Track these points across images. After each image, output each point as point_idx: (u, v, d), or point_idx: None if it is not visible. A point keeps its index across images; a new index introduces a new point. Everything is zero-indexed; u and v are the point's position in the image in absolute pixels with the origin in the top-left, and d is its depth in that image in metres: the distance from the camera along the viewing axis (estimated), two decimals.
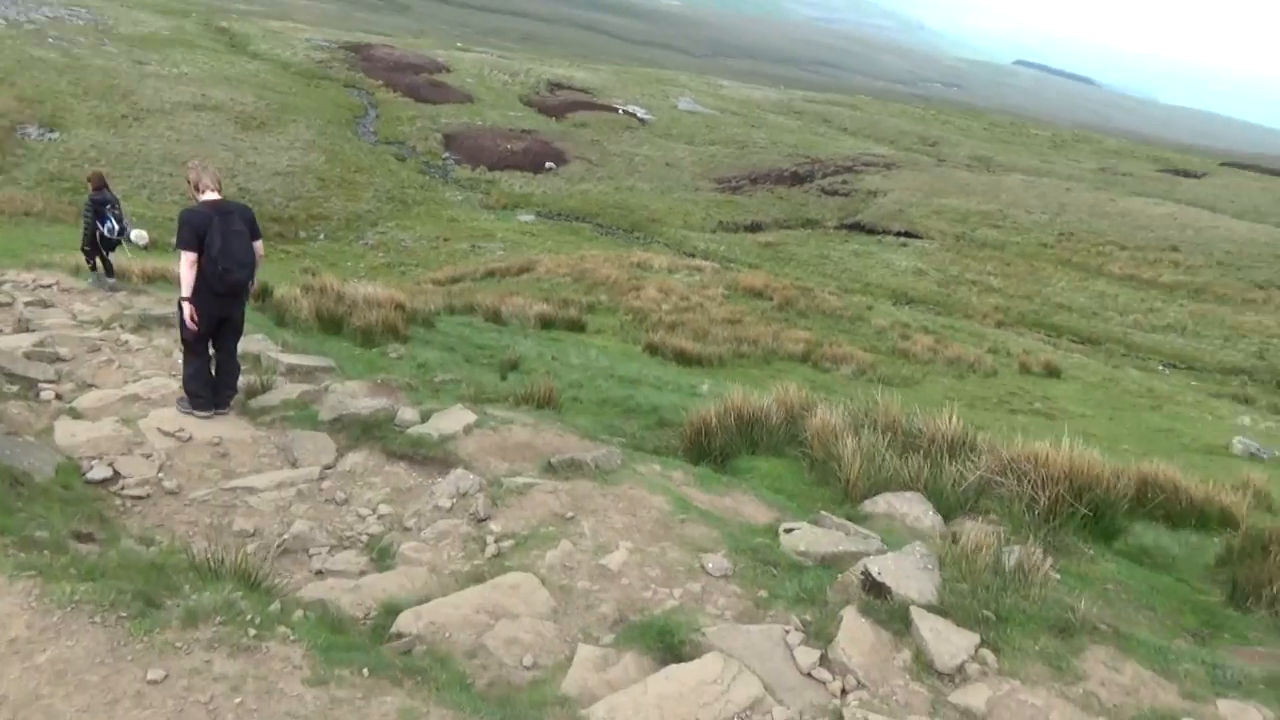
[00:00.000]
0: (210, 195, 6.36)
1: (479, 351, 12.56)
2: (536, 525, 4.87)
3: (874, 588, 3.90)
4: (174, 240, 6.53)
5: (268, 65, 63.89)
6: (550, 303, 20.54)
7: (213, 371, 6.71)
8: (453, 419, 6.36)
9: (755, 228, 48.85)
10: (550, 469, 5.57)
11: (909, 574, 3.99)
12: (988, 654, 3.64)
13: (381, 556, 4.71)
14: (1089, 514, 5.67)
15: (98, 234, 12.53)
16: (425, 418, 6.44)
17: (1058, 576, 4.75)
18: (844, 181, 57.80)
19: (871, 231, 48.94)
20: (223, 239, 6.16)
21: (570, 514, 4.98)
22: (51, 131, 39.40)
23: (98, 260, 12.79)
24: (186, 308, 6.21)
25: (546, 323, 17.99)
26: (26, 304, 10.42)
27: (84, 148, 38.36)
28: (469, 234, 39.22)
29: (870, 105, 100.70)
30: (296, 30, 79.77)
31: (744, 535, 5.06)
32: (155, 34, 64.06)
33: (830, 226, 50.13)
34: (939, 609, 3.82)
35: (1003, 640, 3.73)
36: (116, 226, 12.70)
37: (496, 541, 4.71)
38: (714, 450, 7.11)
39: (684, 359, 17.04)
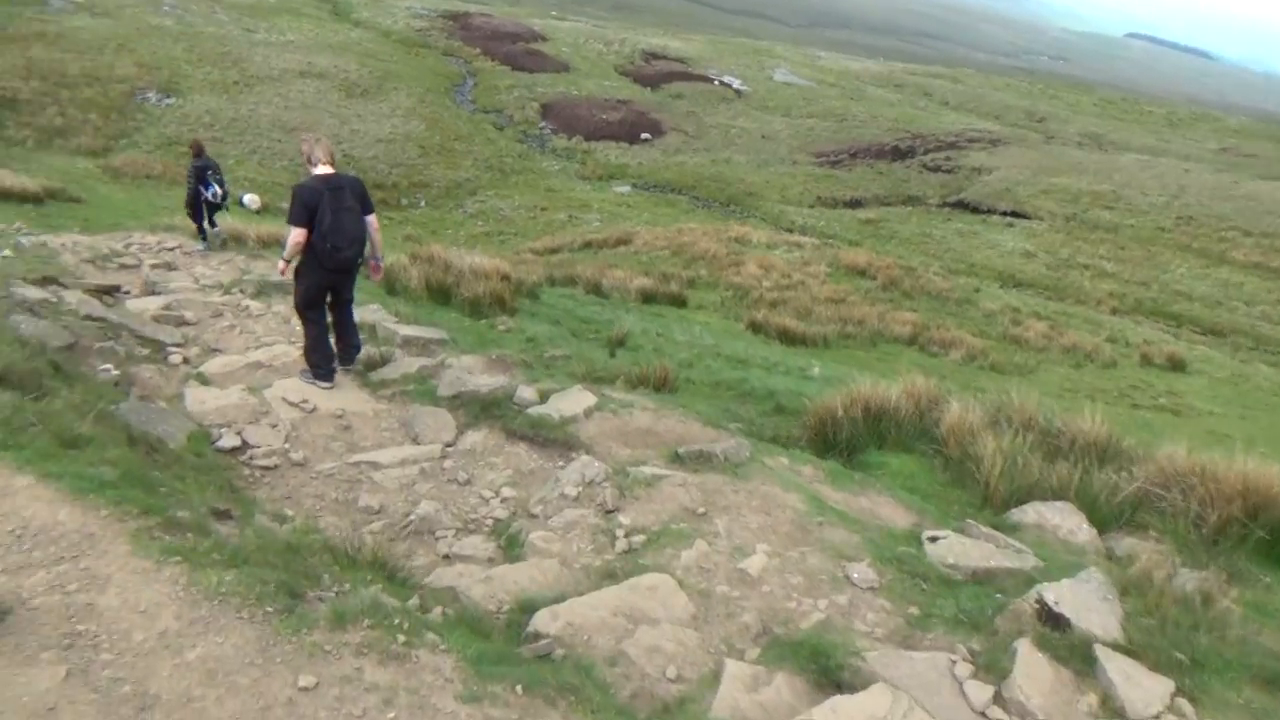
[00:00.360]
0: (323, 169, 6.31)
1: (584, 326, 12.41)
2: (667, 521, 4.65)
3: (1051, 618, 3.55)
4: (287, 213, 6.53)
5: (369, 33, 64.96)
6: (650, 276, 20.31)
7: (331, 339, 6.72)
8: (573, 400, 6.19)
9: (855, 204, 47.62)
10: (678, 459, 5.34)
11: (1089, 605, 3.63)
12: (1184, 704, 3.26)
13: (510, 545, 4.57)
14: (1266, 537, 5.16)
15: (202, 199, 12.99)
16: (544, 397, 6.29)
17: (1239, 609, 4.30)
18: (947, 158, 55.80)
19: (976, 210, 47.15)
20: (333, 215, 6.11)
21: (702, 510, 4.75)
22: (169, 97, 40.81)
23: (205, 224, 13.21)
24: (280, 264, 6.43)
25: (648, 297, 17.78)
26: (152, 266, 10.71)
27: (199, 113, 39.63)
28: (566, 204, 39.23)
29: (973, 78, 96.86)
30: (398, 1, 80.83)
31: (886, 541, 4.75)
32: (263, 2, 65.73)
33: (933, 204, 48.50)
34: (1126, 648, 3.45)
35: (1200, 689, 3.34)
36: (220, 191, 13.12)
37: (627, 536, 4.52)
38: (840, 443, 6.78)
39: (788, 338, 16.63)
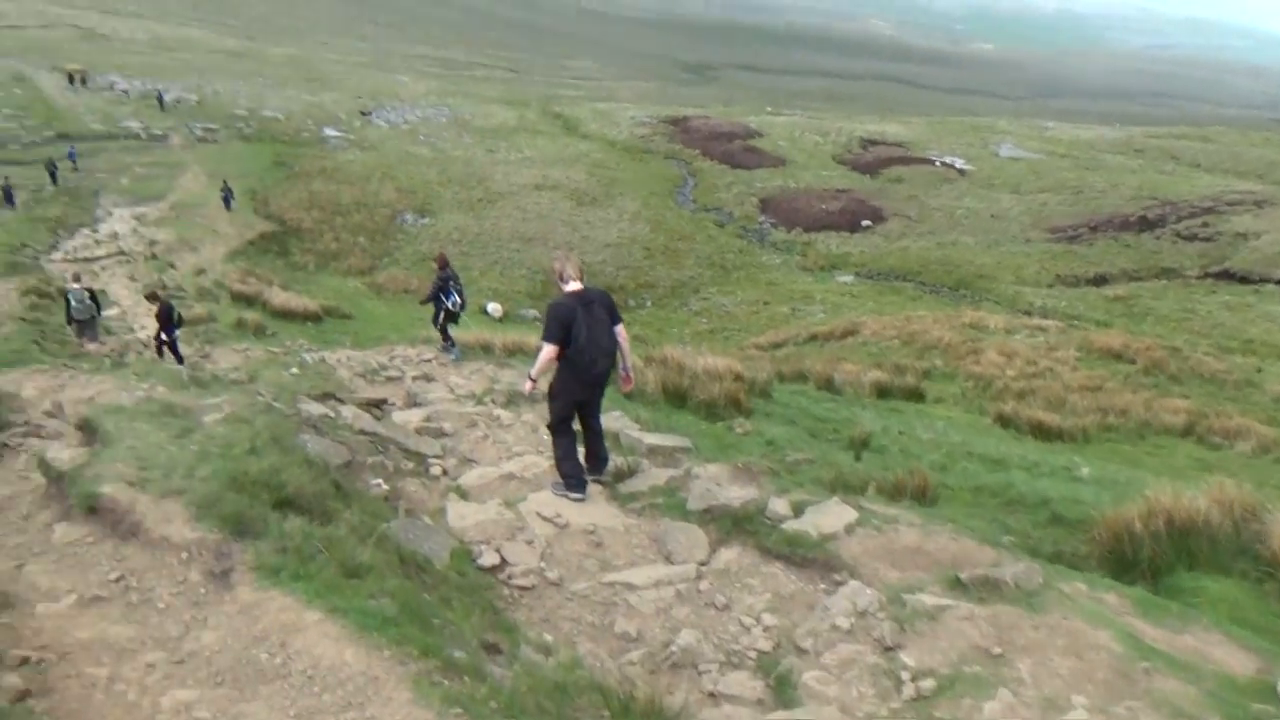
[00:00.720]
0: (574, 285, 6.42)
1: (821, 425, 11.97)
2: (958, 662, 4.13)
3: None
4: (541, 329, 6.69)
5: (597, 144, 69.11)
6: (883, 369, 19.53)
7: (580, 449, 6.77)
8: (830, 514, 5.80)
9: (1100, 280, 44.11)
10: (959, 586, 4.80)
11: None
12: None
13: (780, 685, 4.21)
14: None
15: (444, 308, 13.80)
16: (798, 511, 5.94)
17: None
18: (1204, 224, 50.73)
19: (1245, 280, 42.23)
20: (588, 329, 6.19)
21: (998, 650, 4.18)
22: (424, 217, 45.06)
23: (444, 331, 14.08)
24: (527, 384, 6.58)
25: (882, 391, 17.02)
26: (413, 378, 11.48)
27: (449, 229, 43.40)
28: (788, 297, 39.10)
29: (1226, 136, 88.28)
30: (621, 109, 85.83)
31: (1231, 695, 3.96)
32: (503, 124, 71.85)
33: (1191, 276, 43.99)
34: None
35: None
36: (460, 300, 13.93)
37: (914, 680, 4.03)
38: (1140, 563, 5.92)
39: (1042, 432, 15.27)
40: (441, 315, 13.88)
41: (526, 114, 79.54)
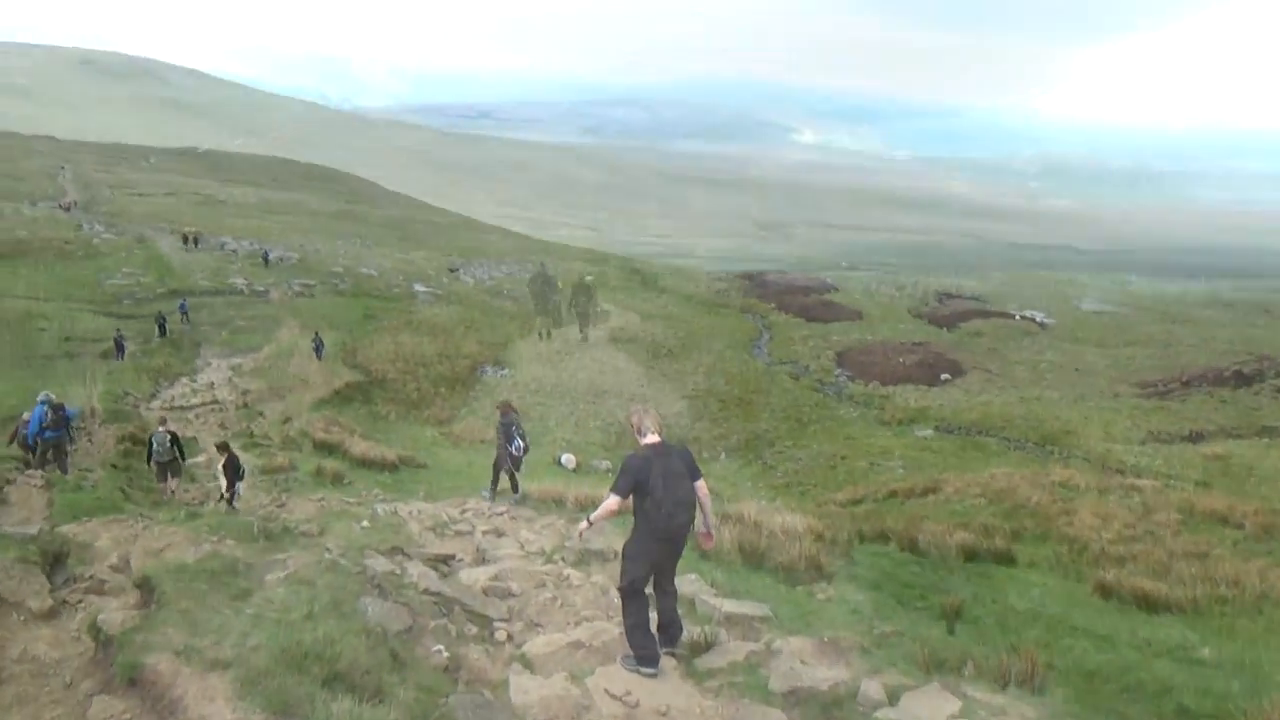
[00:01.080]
0: (651, 438, 6.31)
1: (908, 591, 11.27)
2: None
3: None
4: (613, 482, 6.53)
5: (674, 298, 70.64)
6: (969, 529, 18.55)
7: (653, 613, 6.41)
8: (930, 703, 5.25)
9: (1196, 438, 42.03)
10: None
11: None
12: None
13: None
14: None
15: (508, 453, 13.98)
16: (894, 697, 5.40)
17: None
18: None
19: None
20: (664, 482, 6.03)
21: None
22: (503, 369, 46.03)
23: (511, 476, 14.13)
24: (582, 524, 6.44)
25: (969, 554, 16.08)
26: (483, 532, 11.27)
27: (526, 380, 44.15)
28: (866, 452, 38.17)
29: None
30: (697, 265, 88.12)
31: None
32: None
33: None
34: None
35: None
36: (523, 444, 14.10)
37: None
38: None
39: (1148, 603, 14.06)
40: (506, 461, 14.05)
41: (606, 270, 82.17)
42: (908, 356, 54.78)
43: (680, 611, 6.84)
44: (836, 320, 64.68)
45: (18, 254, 53.60)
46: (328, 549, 7.43)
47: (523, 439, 14.33)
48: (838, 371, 53.54)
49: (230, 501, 14.59)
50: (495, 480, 14.50)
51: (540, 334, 51.37)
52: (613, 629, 6.95)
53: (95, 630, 4.31)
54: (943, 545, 16.70)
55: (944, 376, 51.73)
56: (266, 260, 60.73)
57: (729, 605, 7.50)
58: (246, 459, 17.33)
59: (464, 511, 13.03)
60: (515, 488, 14.37)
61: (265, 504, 15.08)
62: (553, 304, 54.46)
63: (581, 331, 51.78)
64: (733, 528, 12.05)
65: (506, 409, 15.02)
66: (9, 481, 11.19)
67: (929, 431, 42.67)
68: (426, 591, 7.39)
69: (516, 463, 14.29)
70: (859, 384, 50.81)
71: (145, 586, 4.81)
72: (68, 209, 73.03)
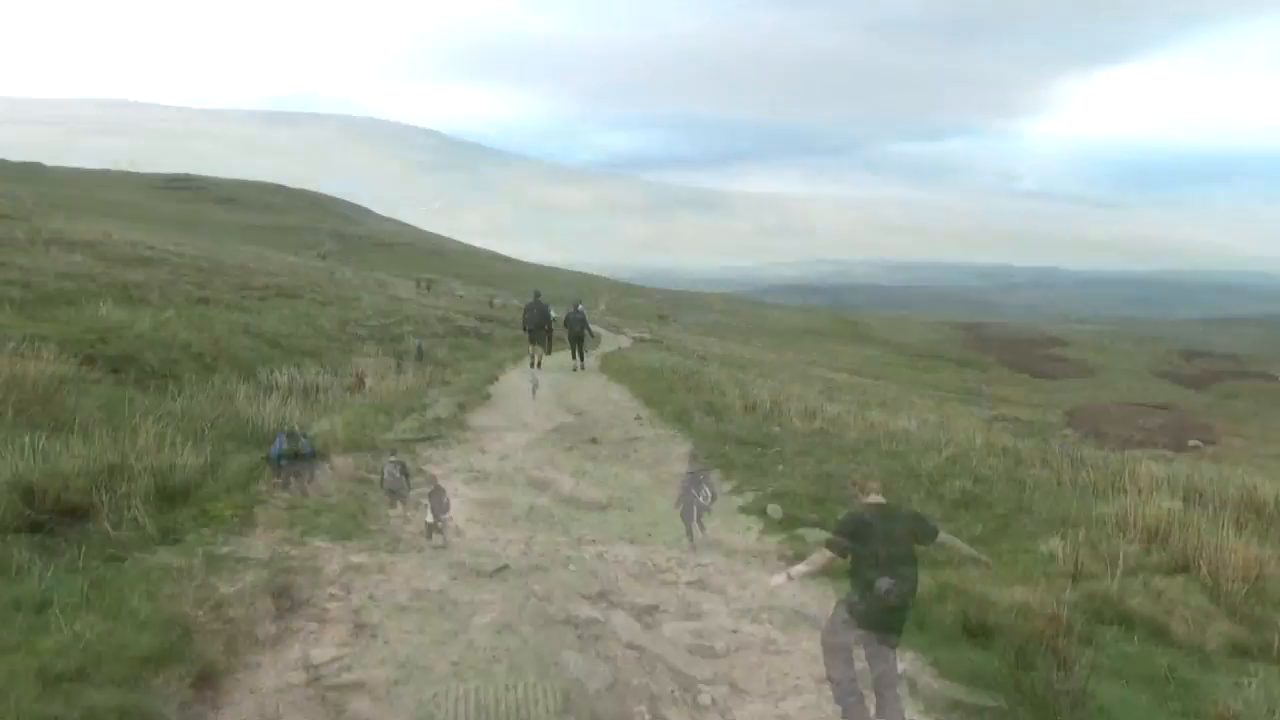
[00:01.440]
0: (875, 498, 5.98)
1: (1163, 689, 9.82)
2: None
3: None
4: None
5: (886, 349, 68.42)
6: (1236, 617, 16.22)
7: (869, 696, 5.91)
8: None
9: None
10: None
11: None
12: None
13: None
14: None
15: (694, 501, 13.65)
16: None
17: None
18: None
19: None
20: (885, 546, 5.63)
21: None
22: (709, 415, 46.17)
23: (690, 525, 13.83)
24: (781, 577, 6.39)
25: (1240, 647, 14.00)
26: (688, 583, 10.98)
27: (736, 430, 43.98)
28: (1100, 520, 34.83)
29: None
30: (911, 317, 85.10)
31: None
32: (792, 327, 73.57)
33: None
34: None
35: None
36: (711, 494, 13.76)
37: None
38: None
39: None
40: (691, 511, 13.86)
41: (816, 318, 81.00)
42: (1148, 418, 50.15)
43: (900, 694, 6.28)
44: (1064, 376, 60.42)
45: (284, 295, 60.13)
46: (534, 591, 7.44)
47: (710, 489, 14.16)
48: (1066, 430, 49.63)
49: (439, 532, 15.14)
50: (689, 529, 14.30)
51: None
52: (825, 705, 6.49)
53: (308, 664, 4.43)
54: (1198, 633, 14.67)
55: (1192, 442, 46.67)
56: (491, 305, 64.66)
57: (953, 690, 6.84)
58: (465, 492, 18.08)
59: (669, 559, 12.84)
60: (689, 534, 14.23)
61: (479, 537, 15.57)
62: None
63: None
64: (954, 598, 11.10)
65: (693, 455, 15.12)
66: (260, 502, 12.15)
67: (1177, 503, 38.37)
68: (630, 645, 7.21)
69: (703, 511, 14.11)
70: (1090, 445, 46.68)
71: (359, 620, 4.94)
72: (324, 257, 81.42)
